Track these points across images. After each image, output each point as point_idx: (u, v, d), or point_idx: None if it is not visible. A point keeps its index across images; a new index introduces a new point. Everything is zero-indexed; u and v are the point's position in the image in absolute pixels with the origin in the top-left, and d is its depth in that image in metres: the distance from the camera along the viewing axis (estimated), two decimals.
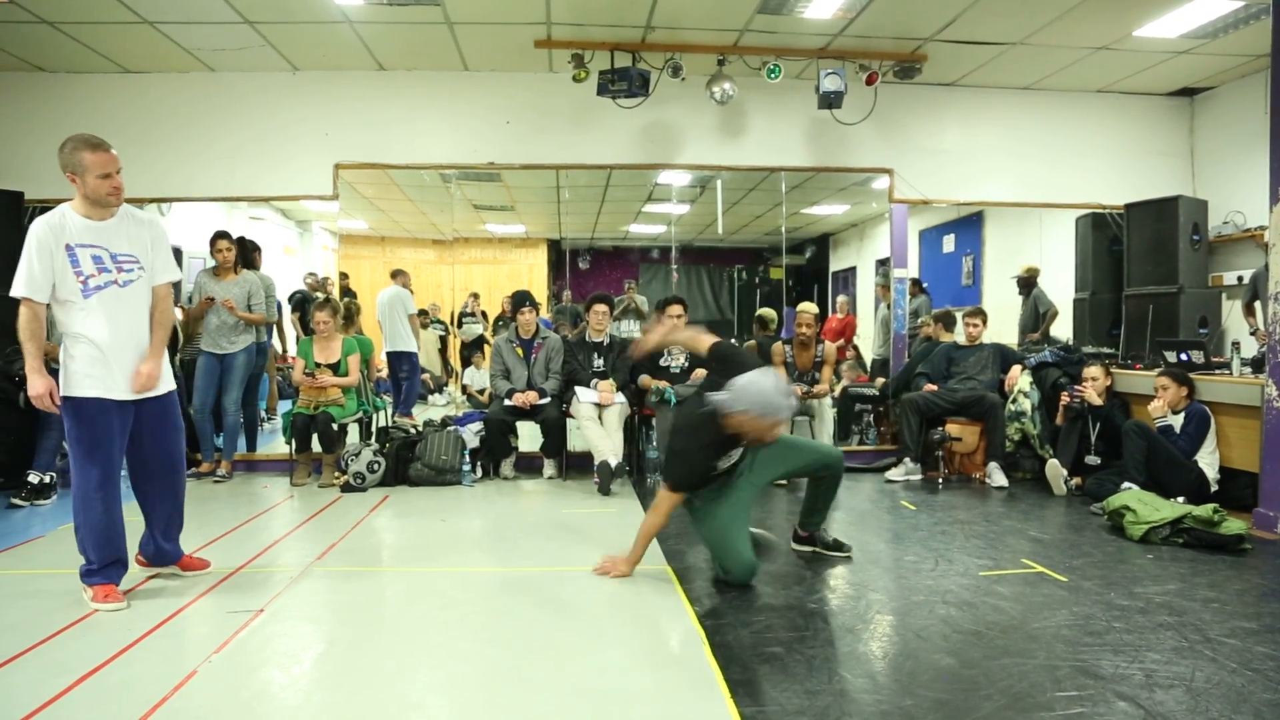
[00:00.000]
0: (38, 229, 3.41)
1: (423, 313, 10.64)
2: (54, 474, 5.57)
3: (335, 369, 6.25)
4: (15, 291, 3.37)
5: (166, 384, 3.68)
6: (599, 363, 6.48)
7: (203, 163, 6.76)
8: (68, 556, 4.20)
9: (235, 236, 6.47)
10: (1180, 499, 4.90)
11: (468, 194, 9.20)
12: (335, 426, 6.13)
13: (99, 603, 3.44)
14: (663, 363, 6.45)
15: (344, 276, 8.42)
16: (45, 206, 6.32)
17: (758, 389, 3.47)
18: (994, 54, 6.54)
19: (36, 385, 3.38)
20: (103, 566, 3.51)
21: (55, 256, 3.39)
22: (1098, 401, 5.76)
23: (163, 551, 3.85)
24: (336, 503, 5.58)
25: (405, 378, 8.17)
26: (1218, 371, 5.54)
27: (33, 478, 5.45)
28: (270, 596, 3.60)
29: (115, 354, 3.46)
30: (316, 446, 6.19)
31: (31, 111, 6.60)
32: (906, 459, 6.39)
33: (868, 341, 9.41)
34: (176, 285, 8.14)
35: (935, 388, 6.51)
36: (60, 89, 6.66)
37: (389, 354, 8.10)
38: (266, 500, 5.71)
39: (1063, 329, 7.90)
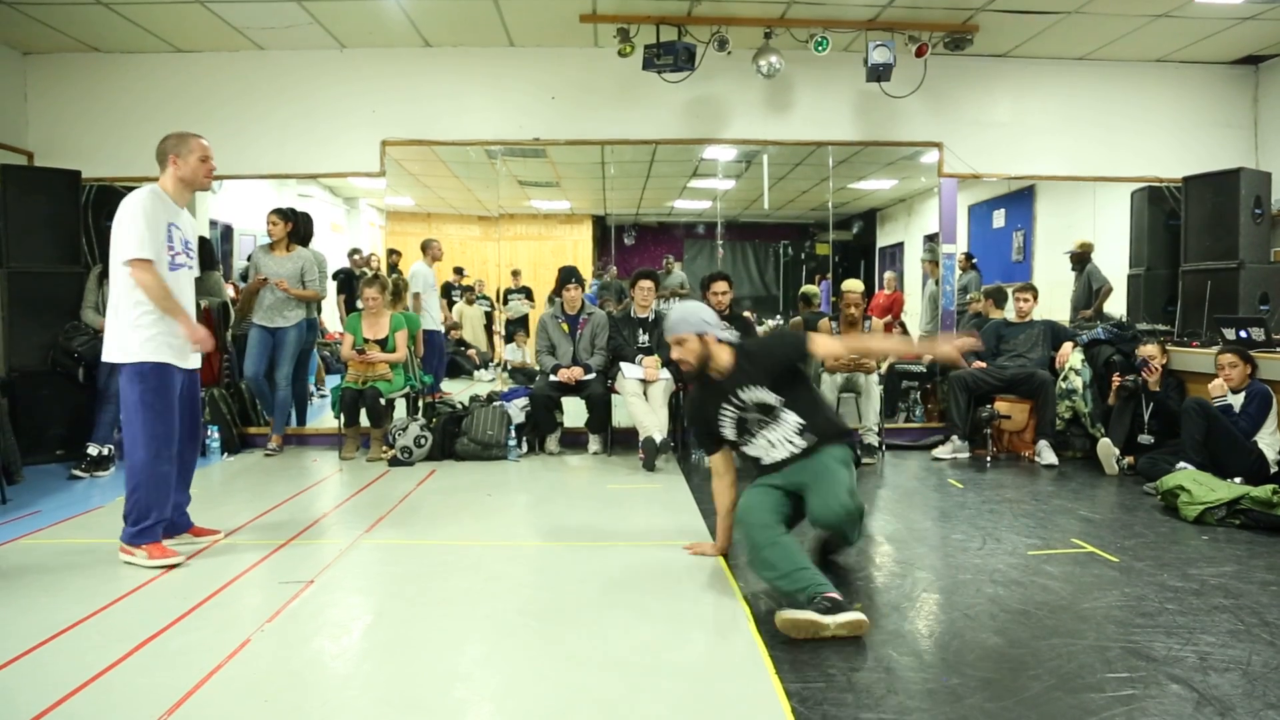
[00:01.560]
0: (145, 199, 3.68)
1: (468, 289, 10.74)
2: (111, 446, 5.73)
3: (383, 344, 6.33)
4: (136, 253, 3.61)
5: (198, 358, 3.98)
6: (644, 338, 6.48)
7: (252, 140, 6.84)
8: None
9: (288, 210, 6.54)
10: (1238, 480, 4.78)
11: (513, 170, 9.22)
12: (383, 401, 6.22)
13: (156, 559, 3.66)
14: None
15: (394, 254, 8.49)
16: (101, 185, 6.57)
17: (673, 316, 3.57)
18: (1048, 23, 6.37)
19: (197, 330, 3.77)
20: (158, 523, 3.75)
21: (162, 228, 3.71)
22: (1156, 388, 5.63)
23: (179, 519, 4.03)
24: (384, 476, 5.67)
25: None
26: (1279, 349, 5.38)
27: (91, 450, 5.61)
28: (320, 568, 3.67)
29: (168, 320, 3.72)
30: (365, 421, 6.28)
31: (87, 91, 6.73)
32: (954, 437, 6.32)
33: (915, 318, 9.30)
34: (227, 261, 8.26)
35: (984, 365, 6.42)
36: (114, 69, 6.78)
37: None
38: (316, 474, 5.82)
39: (1116, 305, 7.73)
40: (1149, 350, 5.72)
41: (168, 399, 3.74)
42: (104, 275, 6.01)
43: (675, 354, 3.54)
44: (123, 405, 3.78)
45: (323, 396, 8.54)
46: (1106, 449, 5.70)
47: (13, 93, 6.66)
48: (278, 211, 6.42)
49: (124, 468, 3.81)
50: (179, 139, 3.88)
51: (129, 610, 3.17)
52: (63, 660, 2.71)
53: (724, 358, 3.53)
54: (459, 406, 6.63)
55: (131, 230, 3.64)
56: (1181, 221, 6.85)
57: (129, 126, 6.71)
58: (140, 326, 3.67)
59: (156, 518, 3.73)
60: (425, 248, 8.54)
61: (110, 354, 3.73)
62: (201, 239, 7.40)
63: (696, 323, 3.50)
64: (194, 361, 3.93)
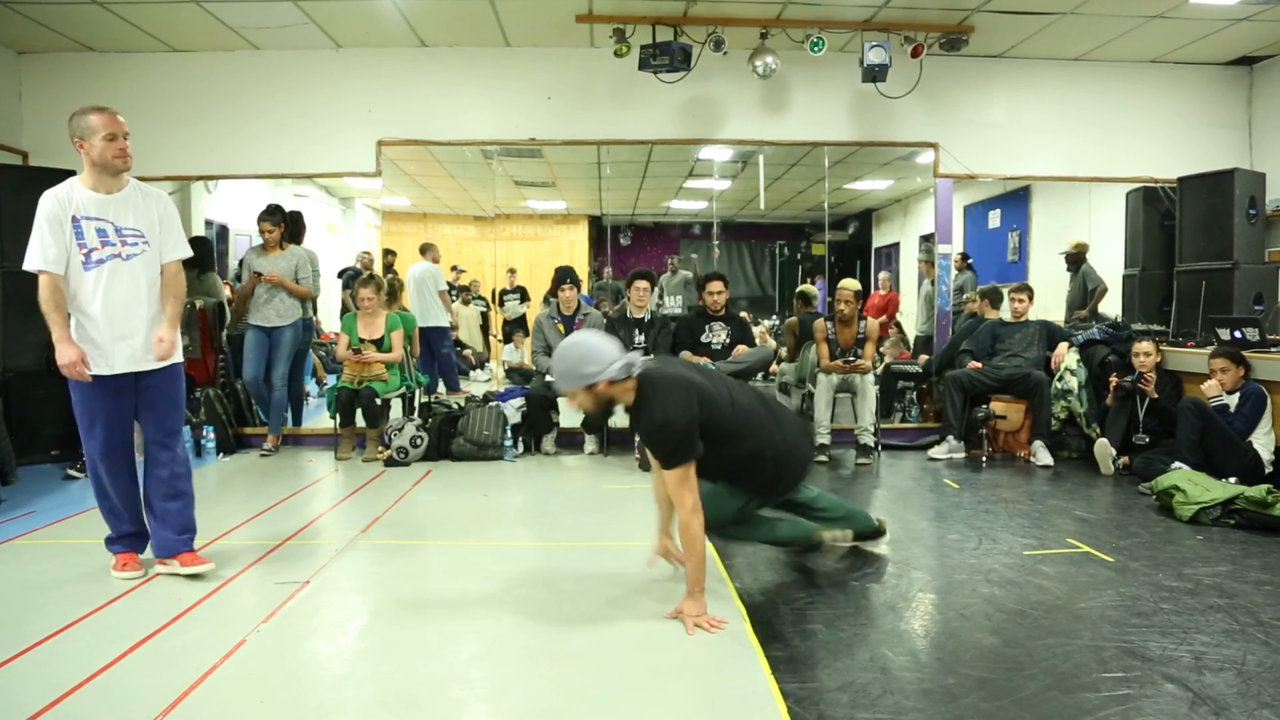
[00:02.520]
0: (46, 202, 3.38)
1: (465, 289, 10.74)
2: None
3: (379, 344, 6.33)
4: (29, 265, 3.35)
5: (177, 356, 3.65)
6: (640, 339, 6.48)
7: (248, 140, 6.84)
8: None
9: (276, 207, 6.52)
10: (1233, 479, 4.79)
11: (509, 170, 9.22)
12: (379, 401, 6.21)
13: (115, 571, 3.56)
14: (704, 339, 6.43)
15: (390, 254, 8.49)
16: None
17: (555, 367, 3.11)
18: (1043, 24, 6.38)
19: (66, 353, 3.32)
20: (119, 537, 3.61)
21: (64, 228, 3.36)
22: (1154, 395, 5.64)
23: (169, 541, 3.65)
24: (380, 477, 5.67)
25: (445, 351, 8.27)
26: (1273, 350, 5.39)
27: None
28: (316, 569, 3.67)
29: (109, 327, 3.42)
30: (360, 421, 6.28)
31: (83, 91, 6.69)
32: (950, 437, 6.32)
33: (911, 318, 9.32)
34: (223, 262, 8.23)
35: (980, 365, 6.43)
36: (110, 68, 6.77)
37: (422, 329, 8.21)
38: (312, 474, 5.81)
39: (1112, 306, 7.74)
40: (1143, 346, 5.73)
41: (92, 410, 3.47)
42: None
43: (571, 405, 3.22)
44: None
45: (320, 397, 8.52)
46: (1104, 449, 5.71)
47: (7, 92, 6.65)
48: (268, 218, 6.37)
49: None
50: (78, 116, 3.40)
51: (125, 611, 3.17)
52: (60, 660, 2.71)
53: (627, 395, 3.07)
54: (455, 407, 6.62)
55: (33, 239, 3.35)
56: (1176, 222, 6.87)
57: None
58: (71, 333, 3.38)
59: (112, 531, 3.61)
60: (425, 250, 8.57)
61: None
62: (199, 238, 7.43)
63: (575, 375, 3.00)
64: (138, 362, 3.49)
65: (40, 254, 3.33)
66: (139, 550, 3.66)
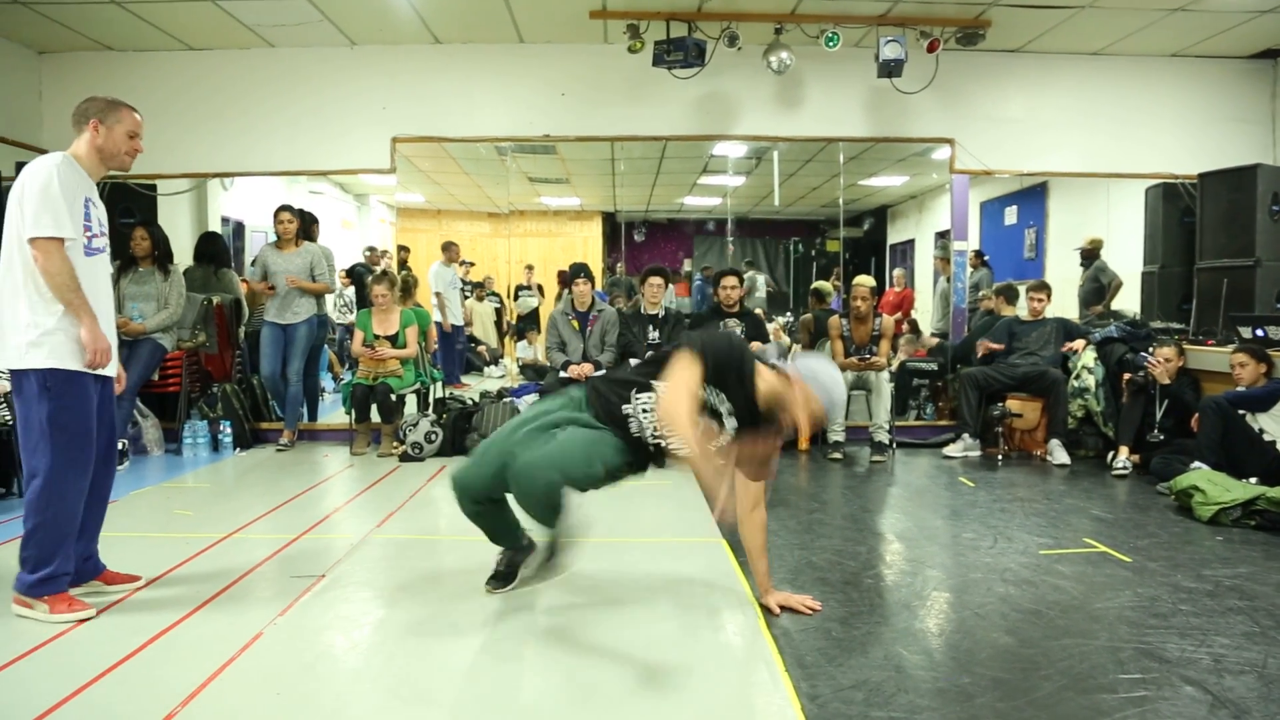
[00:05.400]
0: (60, 166, 2.97)
1: (479, 285, 10.76)
2: (125, 441, 5.77)
3: (393, 341, 6.35)
4: (48, 230, 2.89)
5: (114, 364, 3.22)
6: (654, 335, 6.47)
7: (263, 137, 6.87)
8: (138, 521, 4.39)
9: (296, 209, 6.57)
10: (1253, 480, 4.74)
11: (523, 167, 9.23)
12: (394, 397, 6.23)
13: (62, 614, 2.96)
14: None
15: (403, 250, 8.53)
16: (115, 183, 6.62)
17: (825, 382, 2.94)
18: (1062, 18, 6.32)
19: (101, 341, 3.00)
20: (63, 574, 3.04)
21: (75, 204, 3.01)
22: (1165, 381, 5.59)
23: (87, 562, 3.26)
24: (395, 472, 5.68)
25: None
26: None
27: None
28: (331, 563, 3.68)
29: (106, 323, 3.12)
30: (375, 417, 6.30)
31: (100, 89, 6.56)
32: (965, 435, 6.29)
33: (926, 315, 9.28)
34: (239, 258, 8.29)
35: (994, 345, 6.36)
36: (127, 67, 6.82)
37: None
38: (327, 469, 5.84)
39: (1130, 303, 7.68)
40: (1164, 352, 5.67)
41: (83, 418, 3.02)
42: (121, 271, 6.03)
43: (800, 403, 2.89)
44: (23, 425, 3.00)
45: (337, 392, 8.56)
46: (1115, 455, 5.67)
47: (28, 91, 6.70)
48: (287, 209, 6.41)
49: (25, 501, 3.05)
50: (108, 104, 3.17)
51: (141, 604, 3.19)
52: (78, 653, 2.73)
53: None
54: (469, 403, 6.64)
55: (43, 203, 2.89)
56: (1197, 218, 6.79)
57: (143, 124, 6.73)
58: (55, 324, 2.96)
59: (60, 567, 3.00)
60: (446, 248, 8.62)
61: (8, 358, 2.97)
62: (214, 234, 7.49)
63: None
64: (109, 368, 3.14)
65: (57, 219, 2.91)
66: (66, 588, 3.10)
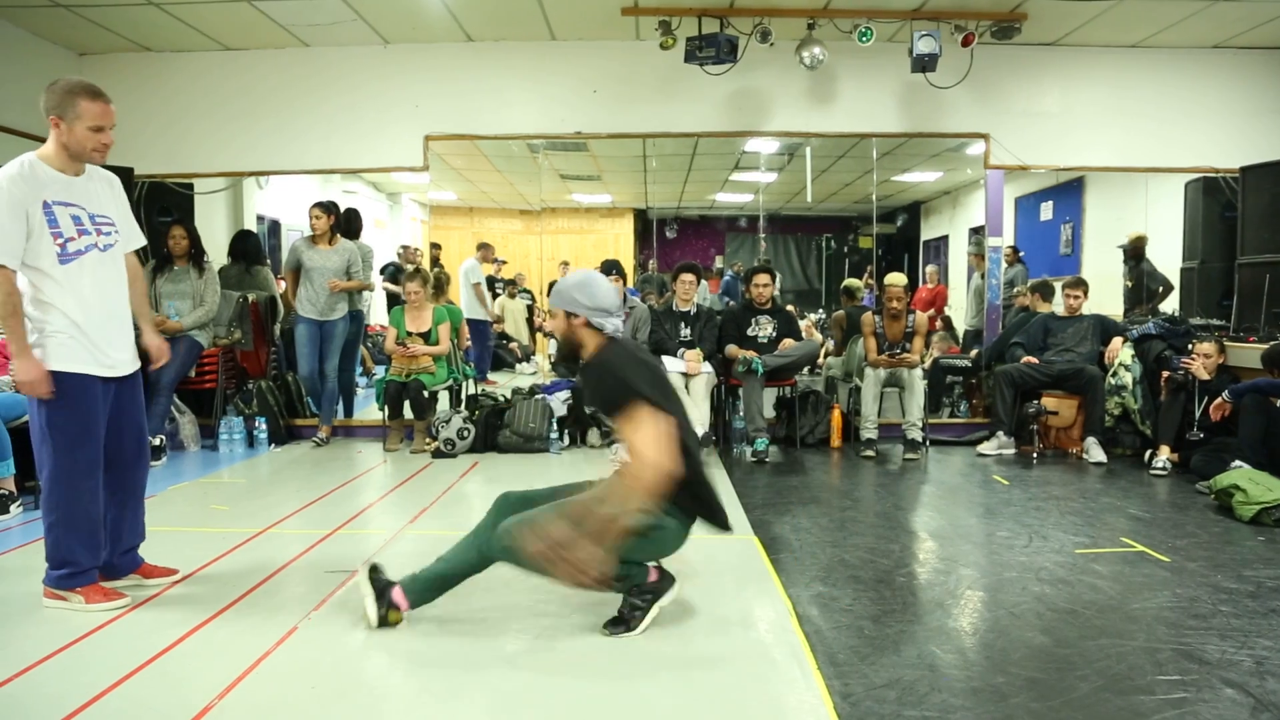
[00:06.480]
0: (9, 182, 2.86)
1: (510, 282, 10.81)
2: (163, 437, 5.86)
3: (426, 338, 6.39)
4: None
5: (137, 361, 3.28)
6: (685, 332, 6.47)
7: (297, 135, 6.94)
8: (176, 516, 4.45)
9: (334, 206, 6.61)
10: None
11: (555, 164, 9.26)
12: (426, 394, 6.28)
13: (98, 603, 3.05)
14: (750, 332, 6.41)
15: (435, 247, 8.59)
16: (153, 182, 6.72)
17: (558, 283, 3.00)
18: (1099, 10, 6.22)
19: (29, 370, 2.91)
20: (89, 569, 3.10)
21: (31, 215, 2.89)
22: (1205, 376, 5.49)
23: (125, 556, 3.34)
24: (427, 468, 5.73)
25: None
26: None
27: None
28: (365, 558, 3.71)
29: (96, 327, 3.06)
30: (408, 413, 6.35)
31: (138, 90, 6.85)
32: (999, 432, 6.22)
33: (960, 312, 9.19)
34: (275, 256, 8.38)
35: (1034, 360, 6.30)
36: (165, 68, 6.91)
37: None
38: (361, 465, 5.90)
39: (1169, 300, 7.55)
40: (1206, 349, 5.57)
41: (82, 417, 3.02)
42: (158, 270, 6.14)
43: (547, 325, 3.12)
44: (31, 425, 3.06)
45: (369, 388, 8.65)
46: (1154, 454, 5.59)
47: None
48: (320, 205, 6.46)
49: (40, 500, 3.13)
50: (64, 94, 2.93)
51: (178, 599, 3.24)
52: (117, 646, 2.78)
53: (590, 344, 2.96)
54: (501, 399, 6.68)
55: None
56: (1238, 213, 6.67)
57: (180, 124, 6.86)
58: (43, 330, 2.96)
59: (87, 563, 3.07)
60: (481, 248, 8.69)
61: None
62: (248, 232, 7.58)
63: (564, 297, 2.93)
64: (125, 367, 3.17)
65: None
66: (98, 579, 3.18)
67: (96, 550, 3.12)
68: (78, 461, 3.02)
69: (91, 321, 3.04)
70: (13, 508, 4.36)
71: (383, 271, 9.30)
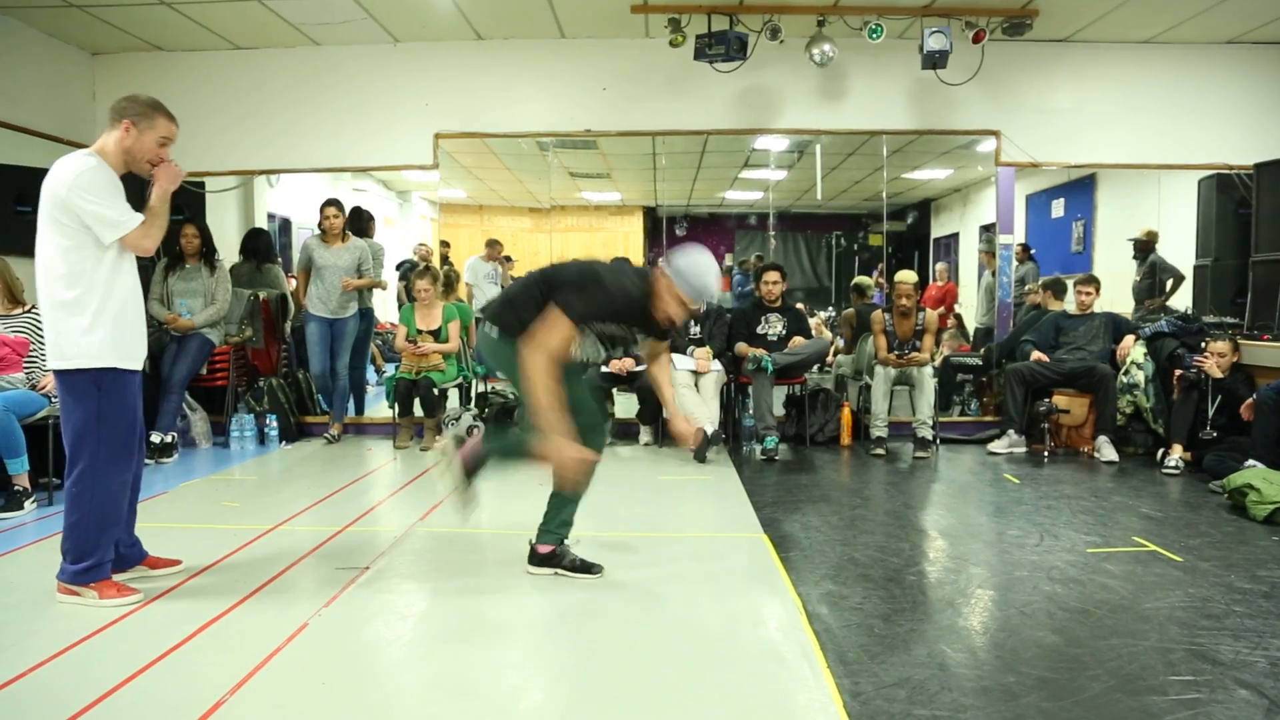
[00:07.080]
0: (98, 168, 3.05)
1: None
2: (175, 434, 5.91)
3: (436, 335, 6.40)
4: (118, 233, 3.03)
5: (143, 357, 3.30)
6: (695, 330, 6.46)
7: (307, 134, 6.96)
8: (188, 512, 4.48)
9: (350, 206, 6.64)
10: None
11: (564, 162, 9.26)
12: (436, 391, 6.29)
13: (111, 598, 3.09)
14: (760, 330, 6.40)
15: (444, 245, 8.60)
16: None
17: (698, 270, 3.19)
18: (1111, 6, 6.18)
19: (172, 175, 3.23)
20: (105, 562, 3.16)
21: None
22: (1218, 375, 5.46)
23: (132, 548, 3.39)
24: (437, 465, 5.72)
25: None
26: None
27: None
28: (375, 555, 3.73)
29: (132, 321, 3.17)
30: (418, 411, 6.36)
31: (151, 89, 6.64)
32: (1010, 431, 6.20)
33: (971, 310, 9.16)
34: (286, 254, 8.39)
35: (1045, 358, 6.27)
36: (177, 67, 6.94)
37: None
38: (371, 462, 5.91)
39: (1182, 297, 7.51)
40: (1220, 348, 5.53)
41: (131, 415, 3.14)
42: (170, 268, 6.16)
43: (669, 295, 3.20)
44: (66, 422, 3.09)
45: (379, 385, 8.68)
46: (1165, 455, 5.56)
47: (82, 93, 6.85)
48: (333, 204, 6.49)
49: (66, 494, 3.10)
50: (148, 107, 3.20)
51: (189, 594, 3.25)
52: (129, 641, 2.79)
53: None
54: (511, 397, 6.68)
55: (104, 206, 3.00)
56: (1253, 210, 6.63)
57: (191, 123, 6.75)
58: (89, 320, 3.01)
59: (101, 556, 3.12)
60: (489, 245, 8.69)
61: (53, 359, 3.06)
62: (259, 230, 7.61)
63: (708, 291, 3.27)
64: (138, 362, 3.22)
65: (120, 215, 3.04)
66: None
67: (114, 545, 3.20)
68: (119, 456, 3.11)
69: (126, 314, 3.13)
70: (27, 504, 4.39)
71: (398, 268, 9.32)
